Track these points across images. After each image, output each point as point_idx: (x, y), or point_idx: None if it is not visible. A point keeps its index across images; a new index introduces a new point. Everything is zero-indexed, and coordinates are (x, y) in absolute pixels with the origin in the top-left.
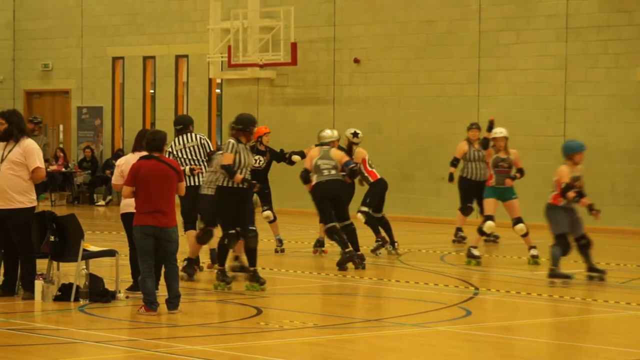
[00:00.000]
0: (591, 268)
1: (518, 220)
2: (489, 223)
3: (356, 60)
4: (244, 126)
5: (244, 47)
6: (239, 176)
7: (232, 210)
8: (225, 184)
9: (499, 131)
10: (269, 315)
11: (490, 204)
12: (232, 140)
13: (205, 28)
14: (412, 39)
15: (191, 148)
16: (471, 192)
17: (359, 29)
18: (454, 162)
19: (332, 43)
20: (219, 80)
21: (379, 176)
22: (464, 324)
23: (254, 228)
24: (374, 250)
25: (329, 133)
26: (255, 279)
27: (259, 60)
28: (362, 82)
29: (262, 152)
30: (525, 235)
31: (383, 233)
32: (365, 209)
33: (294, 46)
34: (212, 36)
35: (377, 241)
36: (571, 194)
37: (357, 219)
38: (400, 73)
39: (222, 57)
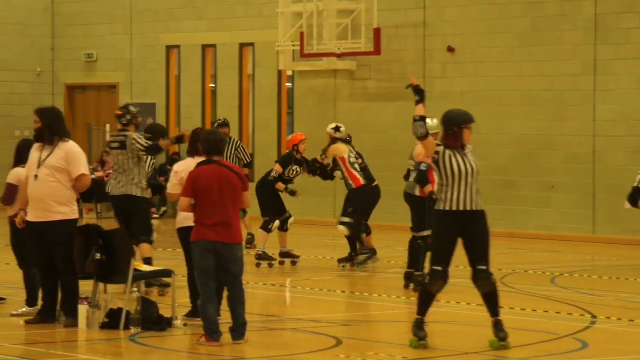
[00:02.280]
0: None
1: None
2: None
3: (450, 49)
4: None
5: (319, 34)
6: None
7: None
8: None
9: None
10: (350, 347)
11: None
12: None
13: (274, 12)
14: (515, 23)
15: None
16: None
17: (453, 12)
18: None
19: (421, 29)
20: (290, 73)
21: (363, 182)
22: (579, 358)
23: (484, 268)
24: (359, 264)
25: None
26: (497, 331)
27: (336, 49)
28: (457, 74)
29: (300, 162)
30: None
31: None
32: (345, 219)
33: (377, 33)
34: (282, 21)
35: (362, 253)
36: None
37: (339, 231)
38: (502, 64)
39: (293, 45)
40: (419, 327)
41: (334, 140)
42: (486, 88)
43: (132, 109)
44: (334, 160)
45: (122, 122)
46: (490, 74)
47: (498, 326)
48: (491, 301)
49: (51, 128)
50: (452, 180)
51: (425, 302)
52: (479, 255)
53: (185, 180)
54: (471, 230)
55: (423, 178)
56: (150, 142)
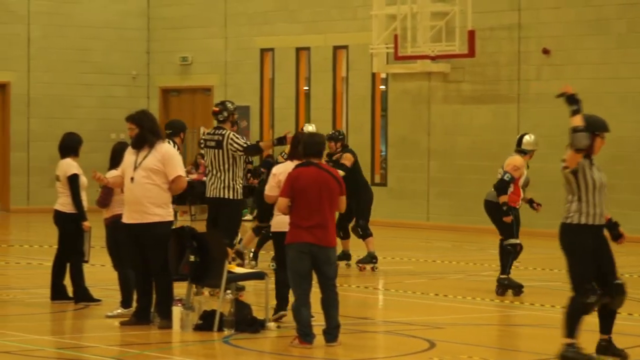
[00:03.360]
0: None
1: None
2: None
3: (545, 51)
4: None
5: (413, 36)
6: None
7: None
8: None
9: None
10: (443, 350)
11: None
12: None
13: (368, 14)
14: (611, 24)
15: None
16: None
17: (548, 14)
18: None
19: (516, 31)
20: (383, 75)
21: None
22: None
23: (621, 282)
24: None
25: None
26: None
27: (430, 52)
28: (552, 76)
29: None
30: None
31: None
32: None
33: (471, 35)
34: (376, 24)
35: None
36: None
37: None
38: (598, 65)
39: (387, 48)
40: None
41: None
42: (582, 90)
43: (230, 105)
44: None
45: (218, 118)
46: (586, 76)
47: (612, 344)
48: (612, 318)
49: (151, 131)
50: (591, 193)
51: (577, 322)
52: (612, 269)
53: (284, 181)
54: (602, 243)
55: (503, 187)
56: (249, 142)
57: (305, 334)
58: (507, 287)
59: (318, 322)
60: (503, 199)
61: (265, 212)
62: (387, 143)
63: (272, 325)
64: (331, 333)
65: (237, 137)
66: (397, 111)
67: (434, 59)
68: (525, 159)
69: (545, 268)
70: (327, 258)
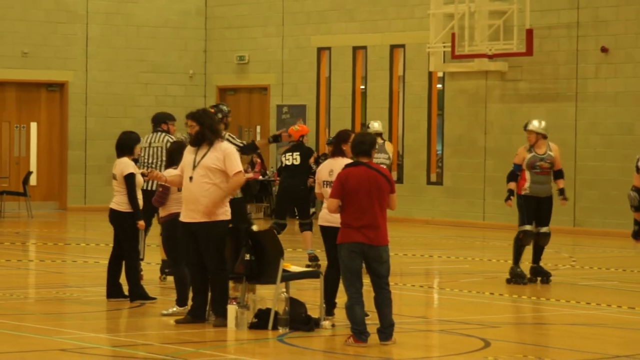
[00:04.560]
0: None
1: None
2: None
3: (604, 49)
4: None
5: (471, 34)
6: None
7: None
8: None
9: None
10: (498, 349)
11: None
12: None
13: (426, 13)
14: None
15: (155, 149)
16: None
17: (607, 12)
18: None
19: (575, 29)
20: (440, 74)
21: None
22: None
23: None
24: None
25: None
26: None
27: (487, 50)
28: (611, 74)
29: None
30: None
31: None
32: None
33: (529, 33)
34: (433, 22)
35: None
36: None
37: None
38: None
39: (444, 46)
40: None
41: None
42: None
43: (224, 107)
44: None
45: None
46: None
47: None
48: None
49: (212, 129)
50: None
51: None
52: None
53: (333, 182)
54: None
55: (508, 175)
56: (245, 142)
57: (359, 333)
58: (516, 277)
59: (372, 320)
60: (508, 186)
61: (282, 209)
62: (444, 142)
63: (326, 324)
64: (385, 332)
65: (233, 138)
66: (453, 110)
67: (491, 57)
68: (530, 140)
69: (601, 267)
70: (378, 257)
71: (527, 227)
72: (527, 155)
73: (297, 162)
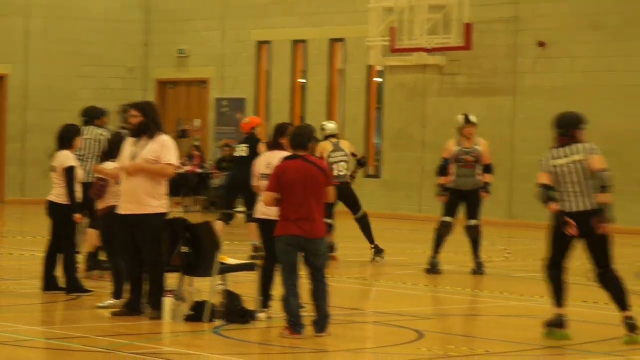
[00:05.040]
0: None
1: None
2: None
3: (541, 44)
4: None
5: (410, 29)
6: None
7: None
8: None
9: None
10: (431, 340)
11: None
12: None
13: (366, 7)
14: (608, 17)
15: (87, 142)
16: None
17: (544, 7)
18: None
19: (513, 24)
20: (380, 68)
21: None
22: None
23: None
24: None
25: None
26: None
27: (427, 45)
28: (548, 69)
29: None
30: None
31: None
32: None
33: (468, 28)
34: (373, 16)
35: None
36: None
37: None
38: (594, 59)
39: (384, 41)
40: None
41: (326, 138)
42: (577, 83)
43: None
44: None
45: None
46: (582, 69)
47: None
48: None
49: (155, 122)
50: None
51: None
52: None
53: (270, 175)
54: None
55: (438, 171)
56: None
57: (295, 325)
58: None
59: (308, 313)
60: (438, 180)
61: (230, 199)
62: (382, 136)
63: (262, 316)
64: (320, 324)
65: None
66: (392, 104)
67: (430, 51)
68: (470, 133)
69: (536, 260)
70: (315, 249)
71: (446, 219)
72: (454, 149)
73: (246, 153)
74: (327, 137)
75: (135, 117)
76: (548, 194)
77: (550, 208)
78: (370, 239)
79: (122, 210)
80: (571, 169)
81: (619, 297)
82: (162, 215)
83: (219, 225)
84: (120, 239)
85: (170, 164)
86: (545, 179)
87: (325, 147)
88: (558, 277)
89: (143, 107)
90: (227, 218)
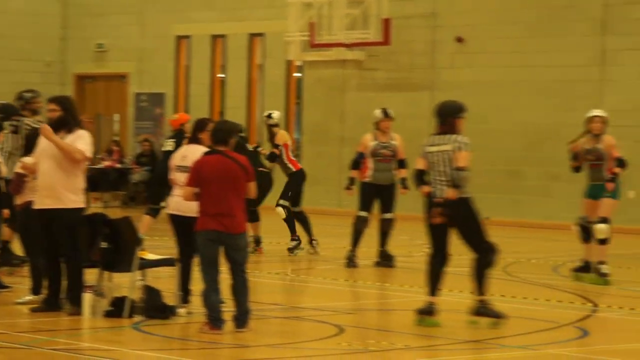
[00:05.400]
0: None
1: (603, 220)
2: (601, 226)
3: (459, 40)
4: (443, 117)
5: (329, 24)
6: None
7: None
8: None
9: (600, 112)
10: (352, 335)
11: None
12: (465, 137)
13: (285, 2)
14: (524, 13)
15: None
16: None
17: (462, 3)
18: None
19: (431, 19)
20: (299, 63)
21: (300, 166)
22: (578, 346)
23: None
24: (291, 250)
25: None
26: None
27: (345, 40)
28: (466, 64)
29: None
30: (603, 242)
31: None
32: (285, 202)
33: (386, 23)
34: (292, 11)
35: (293, 239)
36: None
37: (277, 213)
38: (511, 54)
39: (303, 36)
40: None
41: (270, 127)
42: (494, 78)
43: (26, 94)
44: (277, 146)
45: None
46: (499, 64)
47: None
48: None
49: (73, 116)
50: None
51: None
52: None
53: (190, 169)
54: None
55: (352, 164)
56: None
57: (214, 320)
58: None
59: (228, 308)
60: (350, 174)
61: (157, 194)
62: (301, 130)
63: (182, 311)
64: (241, 319)
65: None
66: (311, 99)
67: (349, 46)
68: (387, 126)
69: (453, 254)
70: (235, 245)
71: (362, 213)
72: (371, 144)
73: (172, 148)
74: (274, 126)
75: (54, 111)
76: (420, 178)
77: (422, 191)
78: (293, 232)
79: (38, 205)
80: (439, 157)
81: (480, 281)
82: (80, 209)
83: (146, 220)
84: (38, 234)
85: (80, 151)
86: (420, 164)
87: (287, 136)
88: (435, 266)
89: (62, 101)
90: (154, 213)
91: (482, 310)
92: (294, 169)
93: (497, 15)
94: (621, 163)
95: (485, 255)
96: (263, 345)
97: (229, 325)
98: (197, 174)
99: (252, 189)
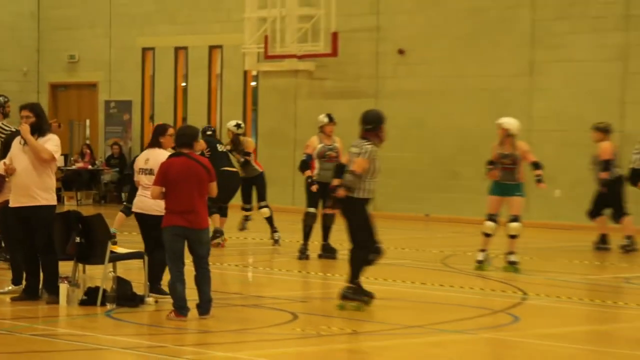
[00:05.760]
0: None
1: (514, 219)
2: (489, 224)
3: (400, 51)
4: (374, 125)
5: (282, 37)
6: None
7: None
8: (363, 196)
9: (505, 121)
10: (305, 321)
11: (493, 202)
12: (366, 144)
13: (241, 17)
14: (459, 28)
15: None
16: None
17: (403, 18)
18: None
19: (375, 33)
20: (254, 73)
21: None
22: (509, 330)
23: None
24: (277, 241)
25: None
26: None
27: (297, 51)
28: (407, 74)
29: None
30: (513, 237)
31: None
32: (267, 202)
33: (334, 36)
34: (248, 25)
35: (274, 231)
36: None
37: (262, 213)
38: (447, 64)
39: (258, 48)
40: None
41: (236, 136)
42: (433, 87)
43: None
44: (248, 153)
45: None
46: (437, 74)
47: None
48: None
49: (44, 121)
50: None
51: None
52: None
53: (157, 171)
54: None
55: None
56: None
57: (180, 308)
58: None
59: (192, 297)
60: (305, 174)
61: (132, 193)
62: (257, 134)
63: (150, 300)
64: (203, 307)
65: (6, 126)
66: (266, 106)
67: (300, 58)
68: (330, 131)
69: (397, 247)
70: (199, 239)
71: (310, 210)
72: (317, 146)
73: None
74: (242, 135)
75: (28, 118)
76: (340, 170)
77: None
78: (273, 226)
79: (14, 203)
80: (351, 158)
81: (352, 270)
82: (52, 207)
83: (120, 217)
84: (15, 230)
85: (49, 151)
86: (345, 160)
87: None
88: (355, 254)
89: (34, 108)
90: (128, 211)
91: (349, 295)
92: (260, 170)
93: (435, 29)
94: (538, 166)
95: (359, 251)
96: (225, 330)
97: (193, 312)
98: (164, 175)
99: (214, 188)
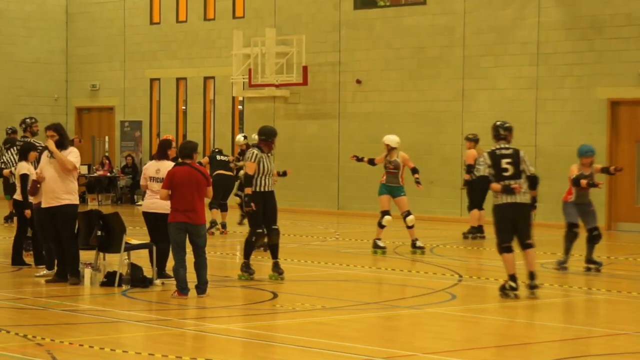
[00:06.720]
0: (589, 260)
1: (408, 213)
2: (388, 217)
3: (358, 81)
4: (266, 137)
5: (262, 69)
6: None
7: (260, 212)
8: (258, 189)
9: (386, 138)
10: (283, 299)
11: (384, 200)
12: (255, 150)
13: (230, 53)
14: (406, 62)
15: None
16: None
17: (360, 54)
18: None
19: (337, 66)
20: (241, 98)
21: None
22: (449, 306)
23: (276, 227)
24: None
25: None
26: (276, 270)
27: (275, 81)
28: (363, 99)
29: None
30: (411, 227)
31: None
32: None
33: (305, 69)
34: (235, 60)
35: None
36: (583, 182)
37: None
38: (396, 92)
39: (243, 78)
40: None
41: (246, 146)
42: (384, 110)
43: (27, 120)
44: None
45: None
46: (388, 100)
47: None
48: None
49: (66, 137)
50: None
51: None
52: (271, 218)
53: (165, 177)
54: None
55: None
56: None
57: (182, 288)
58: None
59: (192, 279)
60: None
61: None
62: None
63: (158, 282)
64: (201, 287)
65: (38, 143)
66: (250, 125)
67: (277, 86)
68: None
69: (358, 239)
70: (197, 232)
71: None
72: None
73: None
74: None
75: (53, 136)
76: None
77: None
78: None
79: (44, 204)
80: None
81: (246, 249)
82: (74, 206)
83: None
84: (46, 226)
85: (71, 162)
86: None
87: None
88: (248, 238)
89: (58, 128)
90: None
91: (244, 269)
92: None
93: (386, 63)
94: (416, 171)
95: (264, 235)
96: (218, 306)
97: (192, 292)
98: (170, 180)
99: (210, 191)
